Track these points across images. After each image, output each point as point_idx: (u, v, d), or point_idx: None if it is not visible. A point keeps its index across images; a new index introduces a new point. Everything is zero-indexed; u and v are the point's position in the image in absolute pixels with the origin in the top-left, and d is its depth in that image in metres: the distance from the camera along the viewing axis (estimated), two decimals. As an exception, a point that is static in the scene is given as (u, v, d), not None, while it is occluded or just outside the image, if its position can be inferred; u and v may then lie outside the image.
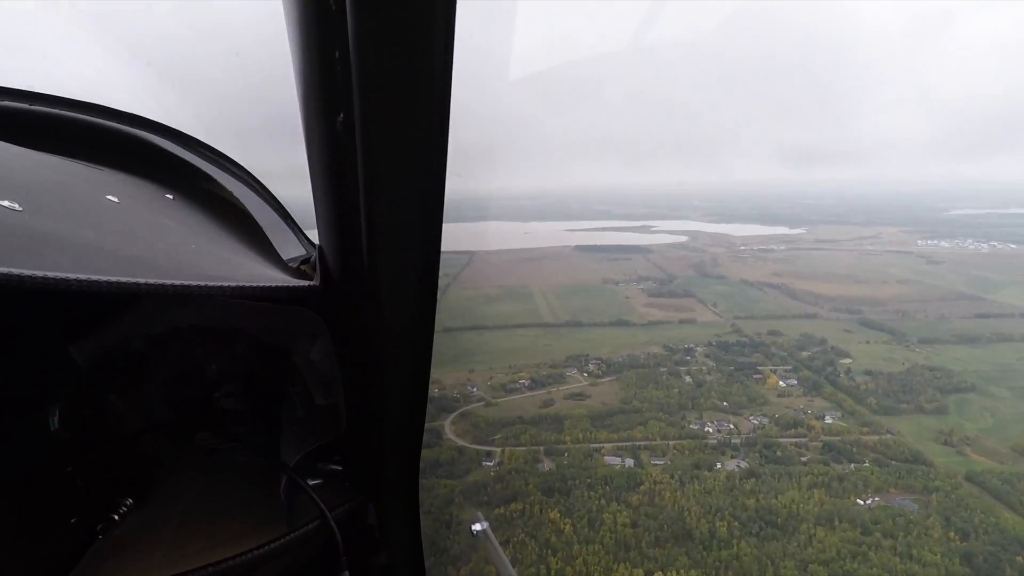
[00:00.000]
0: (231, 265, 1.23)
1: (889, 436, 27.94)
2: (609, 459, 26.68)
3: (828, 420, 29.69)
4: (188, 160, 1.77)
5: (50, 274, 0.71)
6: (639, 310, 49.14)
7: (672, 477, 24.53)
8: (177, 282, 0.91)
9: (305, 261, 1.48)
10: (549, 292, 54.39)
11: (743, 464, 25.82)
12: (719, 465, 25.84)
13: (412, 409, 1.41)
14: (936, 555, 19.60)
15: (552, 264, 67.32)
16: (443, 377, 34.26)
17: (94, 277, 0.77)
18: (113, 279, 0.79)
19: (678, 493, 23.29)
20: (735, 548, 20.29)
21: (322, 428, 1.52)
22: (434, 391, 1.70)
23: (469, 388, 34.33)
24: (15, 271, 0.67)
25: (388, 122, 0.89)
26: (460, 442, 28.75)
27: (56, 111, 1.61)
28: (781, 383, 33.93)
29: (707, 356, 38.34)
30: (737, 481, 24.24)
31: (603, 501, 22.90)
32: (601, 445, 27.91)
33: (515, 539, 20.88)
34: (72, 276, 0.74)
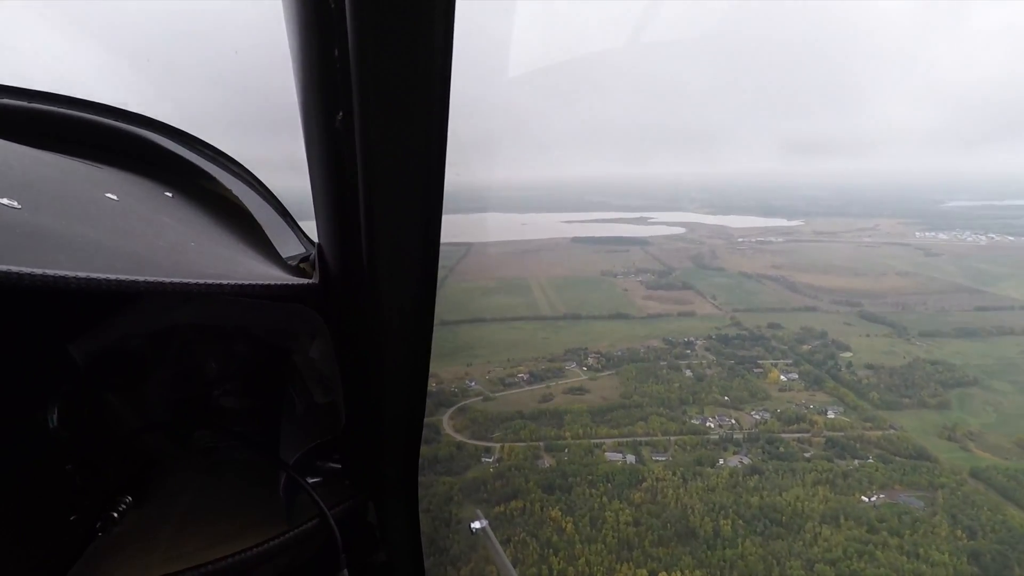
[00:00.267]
0: (230, 263, 1.23)
1: (892, 431, 27.71)
2: (610, 455, 26.36)
3: (830, 415, 29.43)
4: (187, 158, 1.76)
5: (49, 272, 0.71)
6: (638, 303, 48.83)
7: (674, 474, 24.20)
8: (176, 280, 0.91)
9: (304, 259, 1.49)
10: (547, 284, 54.03)
11: (746, 460, 25.53)
12: (721, 461, 25.55)
13: (411, 407, 1.42)
14: (944, 554, 19.34)
15: (549, 256, 66.90)
16: (441, 371, 33.91)
17: (93, 275, 0.77)
18: (112, 277, 0.80)
19: (681, 490, 22.96)
20: (740, 547, 19.99)
21: (321, 426, 1.53)
22: (432, 385, 1.53)
23: (467, 382, 33.92)
24: (14, 269, 0.68)
25: (387, 121, 0.89)
26: (459, 438, 28.35)
27: (55, 108, 1.59)
28: (782, 377, 33.65)
29: (707, 350, 38.07)
30: (740, 478, 23.94)
31: (605, 499, 22.57)
32: (602, 441, 27.57)
33: (516, 538, 20.54)
34: (71, 274, 0.74)
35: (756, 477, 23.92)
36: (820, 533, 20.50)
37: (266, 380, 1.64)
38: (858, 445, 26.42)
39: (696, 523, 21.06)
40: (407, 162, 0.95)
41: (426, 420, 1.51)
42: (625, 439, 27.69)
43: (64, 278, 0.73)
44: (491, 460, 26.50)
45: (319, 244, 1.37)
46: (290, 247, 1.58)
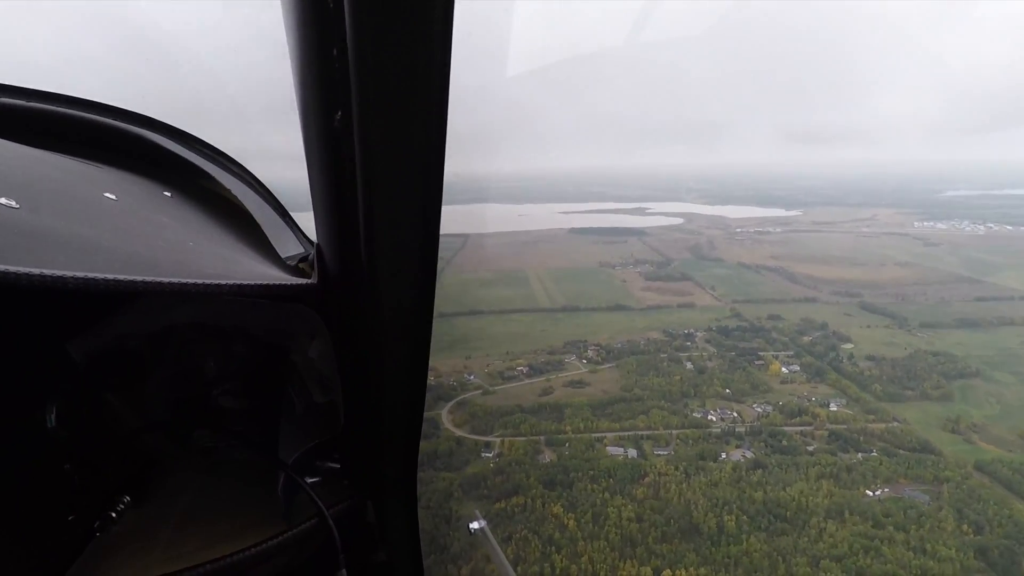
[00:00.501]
0: (229, 263, 1.23)
1: (896, 424, 27.50)
2: (611, 449, 26.09)
3: (833, 407, 29.21)
4: (186, 158, 1.75)
5: (47, 272, 0.71)
6: (636, 294, 48.71)
7: (677, 468, 23.95)
8: (175, 280, 0.91)
9: (303, 259, 1.48)
10: (545, 276, 53.88)
11: (748, 454, 25.27)
12: (724, 455, 25.29)
13: (410, 407, 1.42)
14: (951, 549, 19.14)
15: (547, 247, 66.74)
16: (439, 364, 33.65)
17: (92, 275, 0.77)
18: (111, 277, 0.79)
19: (683, 485, 22.70)
20: (744, 543, 19.76)
21: (320, 426, 1.54)
22: (430, 379, 1.47)
23: (466, 376, 33.69)
24: (12, 269, 0.68)
25: (386, 120, 0.89)
26: (458, 432, 28.11)
27: (54, 108, 1.59)
28: (784, 369, 33.47)
29: (707, 341, 37.91)
30: (743, 472, 23.69)
31: (607, 494, 22.29)
32: (603, 435, 27.31)
33: (517, 535, 20.27)
34: (69, 274, 0.74)
35: (759, 471, 23.66)
36: (825, 529, 20.27)
37: (265, 380, 1.63)
38: (861, 438, 26.19)
39: (700, 519, 20.81)
40: (406, 162, 0.95)
41: (425, 414, 1.50)
42: (626, 433, 27.43)
43: (63, 278, 0.72)
44: (491, 455, 26.21)
45: (318, 244, 1.35)
46: (289, 247, 1.55)
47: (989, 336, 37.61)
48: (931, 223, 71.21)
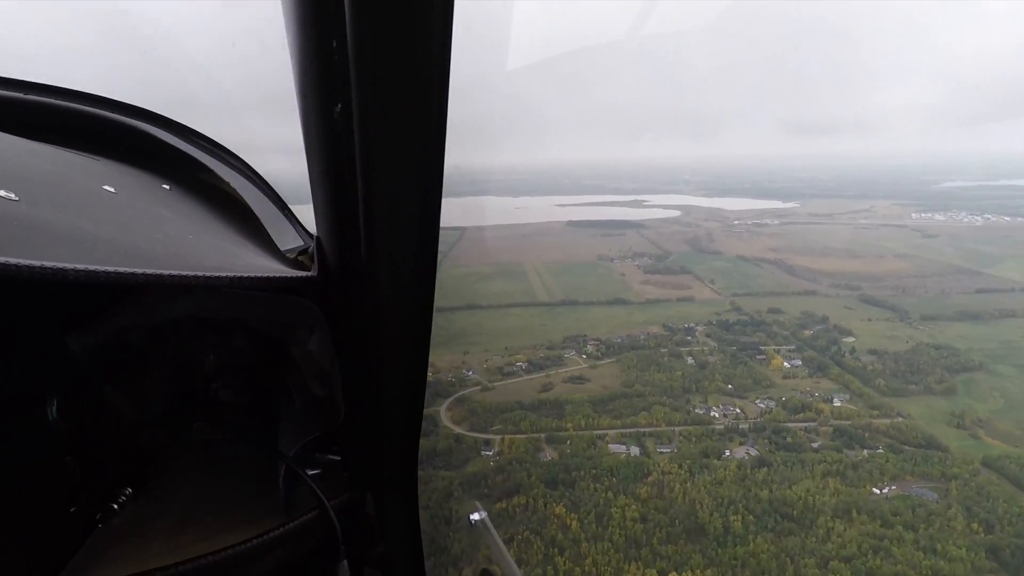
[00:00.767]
0: (229, 256, 1.24)
1: (900, 419, 27.19)
2: (613, 447, 25.68)
3: (836, 403, 28.89)
4: (185, 151, 1.76)
5: (48, 264, 0.72)
6: (635, 287, 48.38)
7: (680, 467, 23.57)
8: (175, 273, 0.91)
9: (303, 252, 1.49)
10: (543, 269, 53.51)
11: (752, 451, 24.91)
12: (728, 452, 24.93)
13: (410, 399, 1.43)
14: (961, 549, 18.82)
15: (545, 240, 66.53)
16: (437, 360, 33.18)
17: (92, 268, 0.77)
18: (111, 269, 0.80)
19: (688, 484, 22.33)
20: (751, 544, 19.39)
21: (320, 418, 1.54)
22: (428, 375, 1.47)
23: (465, 372, 33.31)
24: (12, 261, 0.68)
25: (386, 113, 0.89)
26: (457, 429, 27.67)
27: (52, 100, 1.60)
28: (786, 364, 33.14)
29: (708, 336, 37.56)
30: (748, 470, 23.31)
31: (610, 494, 21.89)
32: (604, 432, 26.89)
33: (519, 536, 19.86)
34: (70, 267, 0.74)
35: (764, 469, 23.30)
36: (833, 528, 19.93)
37: (265, 373, 1.63)
38: (866, 434, 25.86)
39: (705, 519, 20.44)
40: (406, 155, 0.95)
41: (424, 412, 1.52)
42: (628, 430, 27.04)
43: (63, 270, 0.73)
44: (491, 453, 25.78)
45: (317, 237, 1.36)
46: (288, 240, 1.56)
47: (991, 329, 37.37)
48: (929, 214, 71.18)
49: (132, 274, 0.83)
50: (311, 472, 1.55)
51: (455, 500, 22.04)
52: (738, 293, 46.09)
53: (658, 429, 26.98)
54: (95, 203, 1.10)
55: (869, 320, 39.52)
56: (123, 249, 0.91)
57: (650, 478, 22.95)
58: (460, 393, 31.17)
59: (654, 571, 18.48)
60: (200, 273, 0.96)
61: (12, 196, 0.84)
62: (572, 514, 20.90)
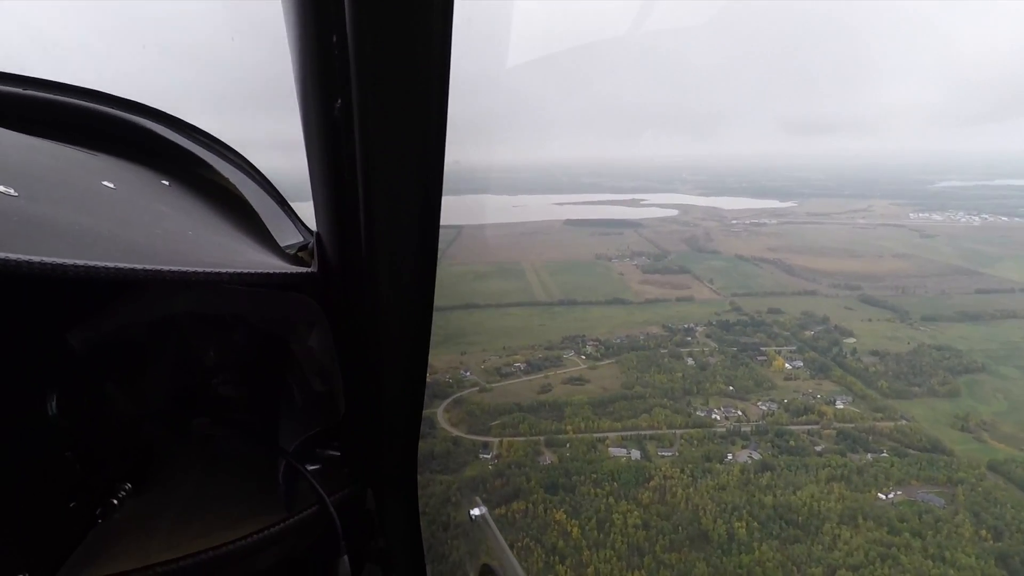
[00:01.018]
0: (228, 252, 1.23)
1: (904, 422, 26.87)
2: (614, 450, 25.28)
3: (839, 405, 28.55)
4: (184, 146, 1.77)
5: (47, 260, 0.72)
6: (634, 287, 47.94)
7: (683, 471, 23.17)
8: (175, 268, 0.91)
9: (303, 248, 1.50)
10: (541, 268, 53.11)
11: (755, 455, 24.53)
12: (730, 456, 24.53)
13: (410, 395, 1.42)
14: (970, 557, 18.49)
15: (543, 239, 66.11)
16: (434, 360, 31.59)
17: (92, 263, 0.77)
18: (111, 265, 0.80)
19: (690, 489, 21.93)
20: (756, 552, 19.02)
21: (320, 414, 1.54)
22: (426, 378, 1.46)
23: (462, 372, 32.75)
24: (12, 256, 0.68)
25: (387, 108, 0.89)
26: (455, 432, 27.25)
27: (51, 96, 1.60)
28: (787, 365, 32.76)
29: (708, 336, 37.12)
30: (752, 475, 22.93)
31: (611, 499, 21.48)
32: (605, 435, 26.47)
33: (520, 543, 19.42)
34: (69, 262, 0.74)
35: (768, 474, 22.92)
36: (839, 535, 19.57)
37: (265, 369, 1.63)
38: (870, 438, 25.53)
39: (708, 525, 20.06)
40: (406, 151, 0.95)
41: (421, 418, 1.51)
42: (629, 433, 26.62)
43: (62, 266, 0.73)
44: (489, 456, 25.37)
45: (317, 233, 1.36)
46: (288, 236, 1.56)
47: (992, 329, 37.12)
48: (926, 214, 71.01)
49: (132, 270, 0.83)
50: (311, 468, 1.55)
51: (453, 506, 21.60)
52: (737, 293, 45.68)
53: (659, 432, 26.56)
54: (94, 199, 1.09)
55: (870, 321, 39.19)
56: (123, 245, 0.92)
57: (652, 483, 22.55)
58: (458, 394, 30.69)
59: (657, 580, 18.13)
60: (200, 269, 0.95)
61: (11, 192, 0.84)
62: (573, 520, 20.50)
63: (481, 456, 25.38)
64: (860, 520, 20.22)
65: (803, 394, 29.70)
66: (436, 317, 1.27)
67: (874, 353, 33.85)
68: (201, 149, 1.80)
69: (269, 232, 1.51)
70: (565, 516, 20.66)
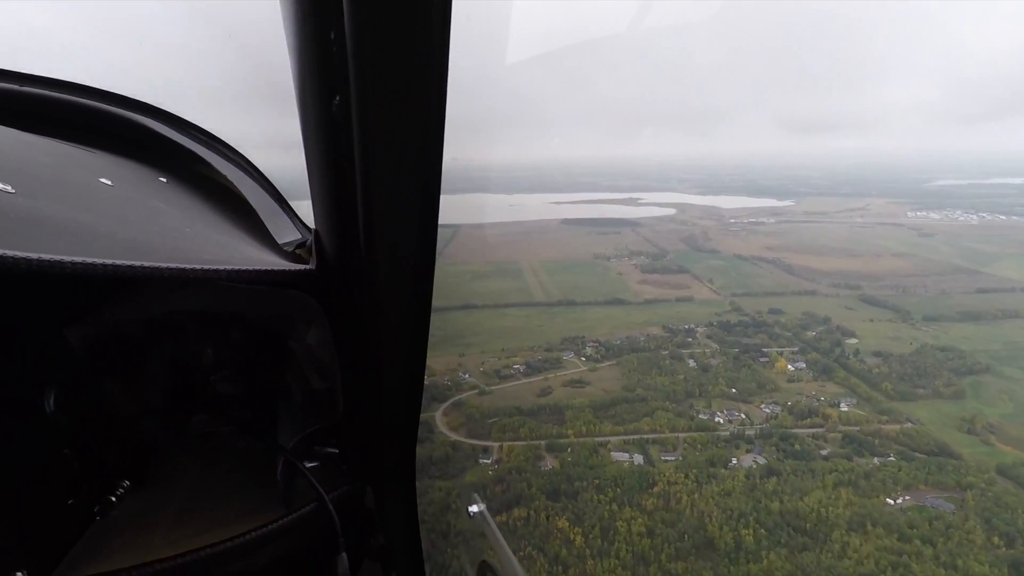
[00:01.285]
0: (226, 249, 1.24)
1: (910, 425, 26.48)
2: (616, 455, 24.77)
3: (844, 408, 28.14)
4: (182, 143, 1.77)
5: (45, 257, 0.72)
6: (633, 287, 47.63)
7: (687, 476, 22.70)
8: (173, 265, 0.91)
9: (300, 245, 1.49)
10: (539, 268, 52.77)
11: (760, 459, 24.07)
12: (735, 461, 24.07)
13: (409, 392, 1.42)
14: (984, 565, 18.08)
15: (540, 238, 65.85)
16: (432, 362, 31.22)
17: (89, 260, 0.77)
18: (108, 262, 0.80)
19: (695, 495, 21.48)
20: (765, 560, 18.57)
21: (319, 412, 1.57)
22: (424, 379, 1.43)
23: (460, 374, 32.29)
24: (9, 253, 0.68)
25: (385, 105, 0.89)
26: (454, 436, 26.76)
27: (48, 92, 1.60)
28: (790, 367, 32.36)
29: (709, 337, 36.75)
30: (757, 480, 22.48)
31: (615, 506, 21.00)
32: (607, 439, 25.98)
33: (522, 552, 18.94)
34: (67, 259, 0.74)
35: (774, 479, 22.49)
36: (849, 543, 19.12)
37: (264, 366, 1.63)
38: (876, 441, 25.11)
39: (715, 533, 19.61)
40: (405, 148, 0.94)
41: (420, 416, 1.51)
42: (631, 436, 26.14)
43: (60, 263, 0.73)
44: (489, 461, 24.87)
45: (315, 230, 1.36)
46: (286, 233, 1.56)
47: (994, 329, 36.85)
48: (924, 213, 71.06)
49: (130, 267, 0.82)
50: (310, 465, 1.55)
51: (453, 513, 21.11)
52: (737, 293, 45.40)
53: (662, 436, 26.11)
54: (92, 196, 1.09)
55: (871, 321, 38.86)
56: (120, 242, 0.91)
57: (656, 488, 22.07)
58: (457, 397, 30.22)
59: (664, 590, 17.68)
60: (198, 266, 0.94)
61: (8, 188, 0.83)
62: (576, 528, 20.02)
63: (481, 461, 24.90)
64: (869, 527, 19.80)
65: (807, 396, 29.30)
66: (434, 318, 1.24)
67: (877, 354, 33.51)
68: (199, 146, 1.78)
69: (267, 229, 1.48)
70: (568, 523, 20.19)
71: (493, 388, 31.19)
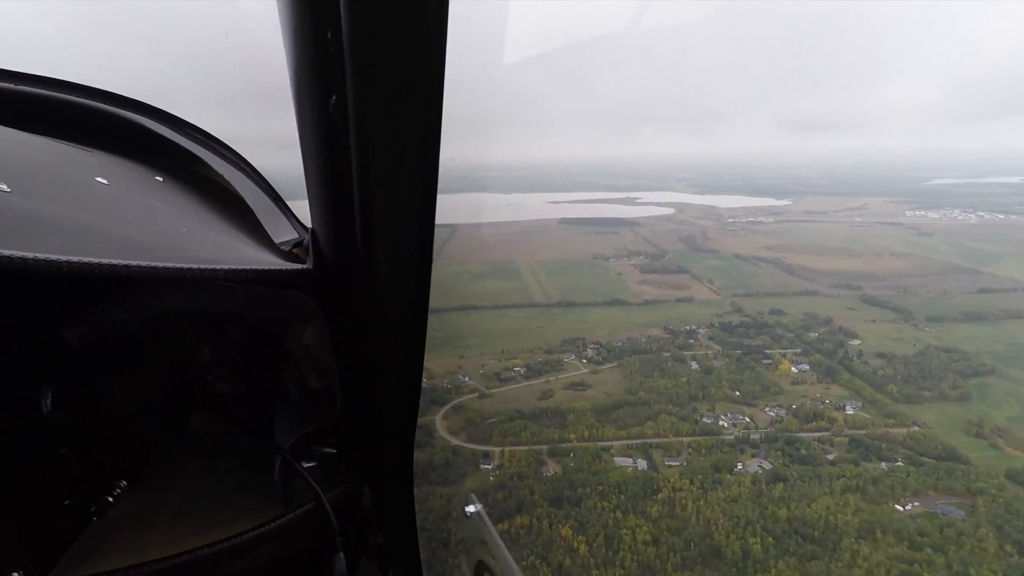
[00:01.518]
0: (223, 248, 1.24)
1: (916, 428, 26.14)
2: (619, 460, 24.36)
3: (849, 411, 27.78)
4: (178, 143, 1.77)
5: (41, 256, 0.72)
6: (633, 287, 47.30)
7: (691, 482, 22.29)
8: (170, 265, 0.91)
9: (297, 244, 1.49)
10: (538, 268, 52.42)
11: (766, 464, 23.68)
12: (740, 466, 23.68)
13: (406, 391, 1.42)
14: (996, 574, 17.72)
15: (538, 238, 65.54)
16: (432, 364, 31.72)
17: (85, 260, 0.77)
18: (105, 262, 0.80)
19: (701, 502, 21.06)
20: (773, 570, 18.18)
21: (317, 411, 1.55)
22: (423, 382, 1.42)
23: (460, 377, 31.81)
24: (6, 252, 0.68)
25: (382, 104, 0.89)
26: (454, 441, 26.31)
27: (45, 92, 1.59)
28: (793, 369, 32.01)
29: (711, 339, 36.38)
30: (763, 486, 22.08)
31: (619, 513, 20.58)
32: (609, 444, 25.57)
33: (525, 562, 18.53)
34: (63, 258, 0.74)
35: (780, 485, 22.08)
36: (859, 551, 18.73)
37: (261, 365, 1.63)
38: (883, 445, 24.75)
39: (721, 541, 19.20)
40: (402, 147, 0.94)
41: (418, 421, 1.50)
42: (634, 441, 25.75)
43: (56, 262, 0.73)
44: (490, 467, 24.44)
45: (312, 229, 1.36)
46: (283, 232, 1.55)
47: (997, 330, 36.55)
48: (922, 212, 71.03)
49: (126, 266, 0.82)
50: (307, 465, 1.54)
51: (453, 522, 20.67)
52: (738, 293, 45.10)
53: (665, 440, 25.71)
54: (88, 195, 1.08)
55: (873, 321, 38.56)
56: (117, 241, 0.91)
57: (660, 495, 21.66)
58: (457, 401, 29.76)
59: (671, 602, 17.25)
60: (195, 265, 0.94)
61: (4, 187, 0.83)
62: (580, 536, 19.59)
63: (482, 466, 24.46)
64: (879, 534, 19.42)
65: (811, 399, 28.93)
66: (432, 319, 1.23)
67: (881, 355, 33.17)
68: (196, 146, 1.77)
69: (264, 229, 1.47)
70: (571, 532, 19.76)
71: (493, 391, 30.74)
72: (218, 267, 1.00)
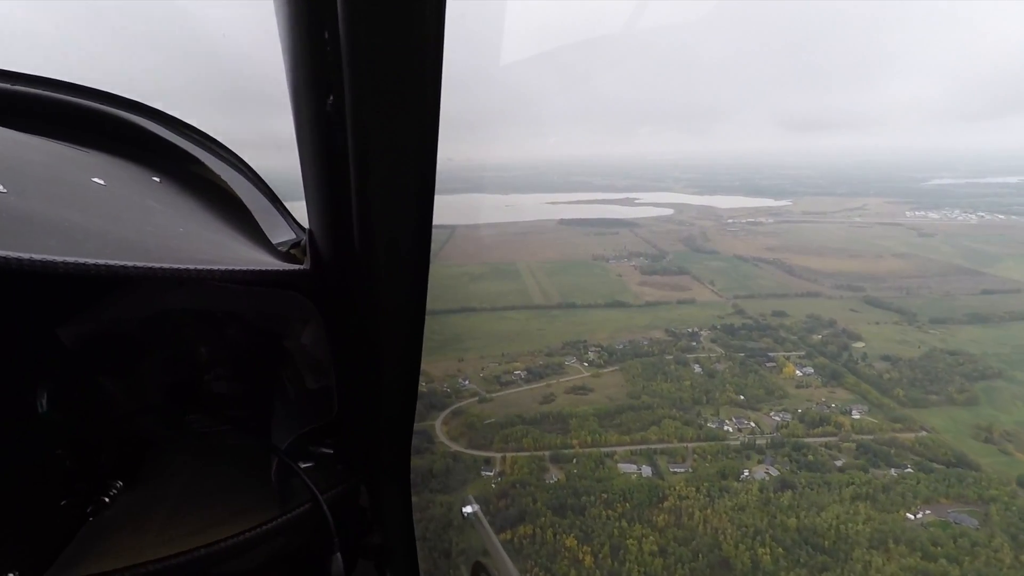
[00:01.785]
0: (220, 248, 1.24)
1: (925, 433, 25.68)
2: (624, 466, 23.85)
3: (856, 415, 27.32)
4: (175, 143, 1.77)
5: (37, 256, 0.72)
6: (633, 289, 46.97)
7: (698, 490, 21.80)
8: (166, 266, 0.91)
9: (295, 245, 1.49)
10: (537, 269, 52.09)
11: (773, 471, 23.19)
12: (747, 472, 23.17)
13: (404, 391, 1.42)
14: (1015, 587, 17.25)
15: (537, 239, 65.23)
16: (431, 367, 31.15)
17: (82, 260, 0.77)
18: (101, 262, 0.80)
19: (708, 510, 20.56)
20: (784, 582, 17.67)
21: (314, 411, 1.54)
22: (422, 386, 1.42)
23: (460, 381, 31.37)
24: (2, 253, 0.69)
25: (379, 104, 0.89)
26: (454, 447, 25.82)
27: (40, 91, 1.58)
28: (798, 372, 31.54)
29: (713, 341, 35.97)
30: (771, 493, 21.58)
31: (624, 522, 20.07)
32: (613, 449, 25.06)
33: (530, 574, 18.02)
34: (59, 259, 0.74)
35: (788, 492, 21.59)
36: (871, 562, 18.25)
37: (258, 365, 1.63)
38: (892, 451, 24.27)
39: (730, 552, 18.72)
40: (400, 146, 0.94)
41: (417, 426, 1.49)
42: (638, 447, 25.22)
43: (52, 262, 0.73)
44: (492, 474, 23.97)
45: (310, 230, 1.36)
46: (280, 233, 1.55)
47: (1002, 332, 36.22)
48: (922, 212, 70.94)
49: (123, 267, 0.82)
50: (305, 465, 1.52)
51: (455, 530, 20.17)
52: (739, 295, 44.75)
53: (670, 446, 25.20)
54: (85, 195, 1.08)
55: (877, 323, 38.18)
56: (113, 241, 0.91)
57: (666, 503, 21.15)
58: (456, 405, 29.31)
59: (681, 616, 16.75)
60: (192, 266, 0.94)
61: (0, 188, 0.83)
62: (584, 546, 19.08)
63: (483, 473, 23.99)
64: (891, 544, 18.94)
65: (817, 403, 28.48)
66: (431, 321, 1.23)
67: (886, 358, 32.76)
68: (193, 146, 1.75)
69: (261, 229, 1.47)
70: (576, 542, 19.26)
71: (494, 395, 30.31)
72: (215, 268, 0.99)
